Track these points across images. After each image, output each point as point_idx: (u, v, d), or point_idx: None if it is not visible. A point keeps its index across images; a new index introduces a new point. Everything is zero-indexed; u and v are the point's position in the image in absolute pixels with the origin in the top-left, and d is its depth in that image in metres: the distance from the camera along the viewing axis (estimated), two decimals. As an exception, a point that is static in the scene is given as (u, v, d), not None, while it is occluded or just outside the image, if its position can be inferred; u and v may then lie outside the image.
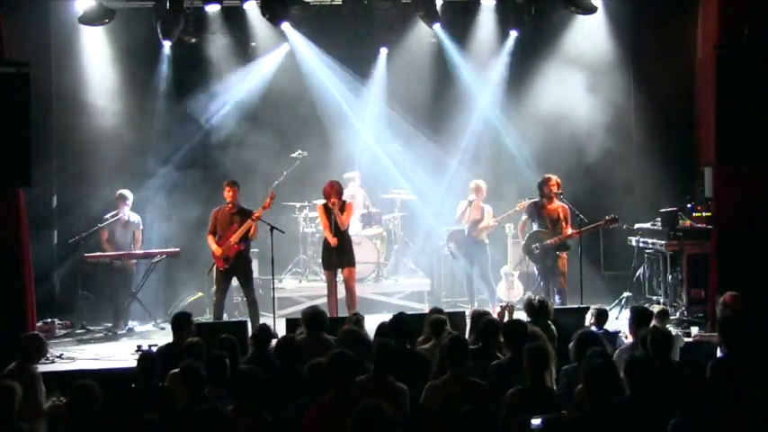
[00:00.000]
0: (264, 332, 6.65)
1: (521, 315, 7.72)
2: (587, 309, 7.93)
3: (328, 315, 9.16)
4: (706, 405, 4.58)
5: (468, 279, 10.62)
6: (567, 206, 9.62)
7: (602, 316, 7.22)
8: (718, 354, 6.34)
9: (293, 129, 11.75)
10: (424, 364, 6.10)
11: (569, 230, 9.49)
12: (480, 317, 6.86)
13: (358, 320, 7.18)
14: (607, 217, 9.58)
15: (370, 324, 7.10)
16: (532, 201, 9.83)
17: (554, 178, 9.61)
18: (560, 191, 9.66)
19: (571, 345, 6.06)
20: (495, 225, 10.61)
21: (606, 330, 7.18)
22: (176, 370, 5.74)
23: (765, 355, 5.96)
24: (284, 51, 11.78)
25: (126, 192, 10.36)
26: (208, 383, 5.62)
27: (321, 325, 6.86)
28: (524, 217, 9.78)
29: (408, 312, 8.95)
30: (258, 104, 11.76)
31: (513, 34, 11.48)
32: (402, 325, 6.45)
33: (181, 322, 7.07)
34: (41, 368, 8.22)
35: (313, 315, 6.87)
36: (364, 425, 4.16)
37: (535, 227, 9.77)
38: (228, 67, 11.62)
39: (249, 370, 5.18)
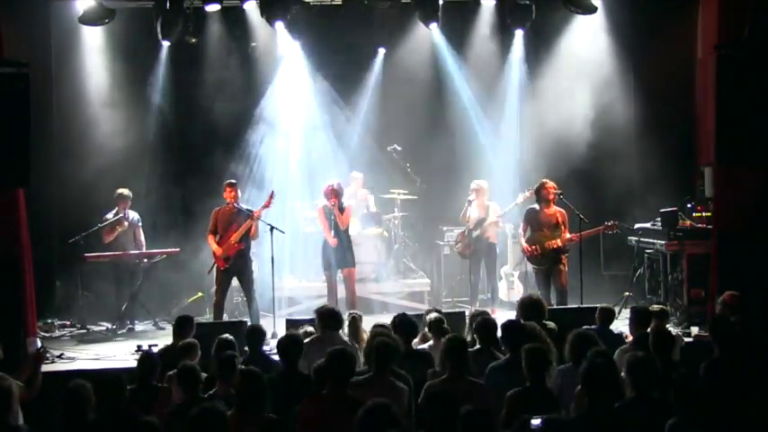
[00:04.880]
0: (254, 333, 6.65)
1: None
2: (587, 309, 7.92)
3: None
4: (703, 405, 4.58)
5: (473, 279, 10.60)
6: (564, 211, 9.62)
7: (607, 315, 7.19)
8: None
9: (293, 128, 11.73)
10: (428, 363, 6.11)
11: (568, 235, 9.49)
12: (476, 317, 6.86)
13: (354, 320, 7.16)
14: (607, 223, 9.57)
15: (370, 324, 7.09)
16: (530, 206, 9.83)
17: (550, 183, 9.61)
18: (560, 191, 9.66)
19: (566, 345, 6.06)
20: (500, 221, 10.60)
21: (611, 331, 7.17)
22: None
23: (759, 354, 5.96)
24: (282, 51, 11.78)
25: (126, 191, 10.36)
26: (217, 383, 5.64)
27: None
28: (522, 225, 9.79)
29: (408, 312, 9.03)
30: (258, 104, 11.76)
31: (519, 33, 11.47)
32: (405, 325, 6.45)
33: (183, 325, 7.09)
34: (41, 368, 8.25)
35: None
36: (371, 423, 4.17)
37: (532, 231, 9.74)
38: (228, 66, 11.62)
39: (249, 370, 5.19)
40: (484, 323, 6.47)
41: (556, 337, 6.79)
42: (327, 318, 6.85)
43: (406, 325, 6.49)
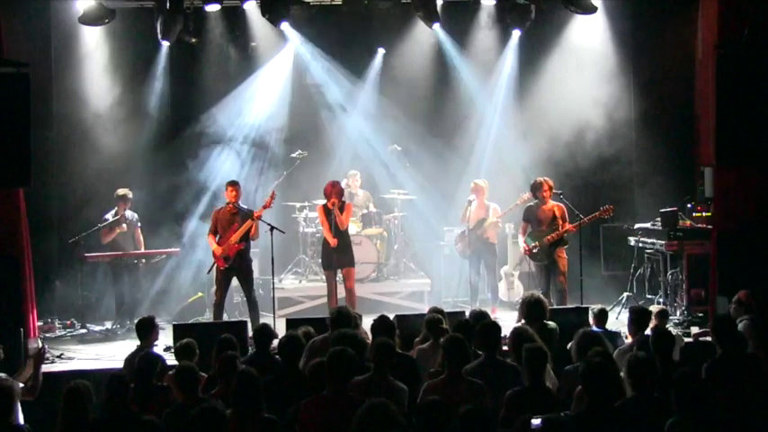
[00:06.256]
0: (264, 332, 6.64)
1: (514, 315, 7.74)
2: (587, 309, 7.94)
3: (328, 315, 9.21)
4: (703, 405, 4.58)
5: (473, 279, 10.59)
6: (563, 205, 9.64)
7: (602, 315, 7.23)
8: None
9: (293, 128, 11.74)
10: (410, 367, 6.09)
11: (567, 226, 9.52)
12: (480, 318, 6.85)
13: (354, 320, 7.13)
14: (602, 207, 9.55)
15: (370, 324, 7.07)
16: (528, 204, 9.85)
17: (546, 181, 9.62)
18: (558, 191, 9.69)
19: (572, 345, 6.06)
20: (500, 221, 10.60)
21: (607, 330, 7.18)
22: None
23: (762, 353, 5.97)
24: (284, 52, 11.79)
25: (126, 191, 10.36)
26: (218, 383, 5.64)
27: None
28: (522, 224, 9.83)
29: (408, 313, 9.03)
30: (258, 104, 11.77)
31: (516, 34, 11.47)
32: (385, 327, 6.43)
33: (146, 326, 7.04)
34: (42, 368, 8.26)
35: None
36: (369, 423, 4.17)
37: (532, 228, 9.77)
38: (228, 66, 11.63)
39: (245, 371, 5.18)
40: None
41: (557, 338, 6.81)
42: (336, 320, 6.80)
43: (385, 327, 6.46)
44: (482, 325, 6.15)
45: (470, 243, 10.51)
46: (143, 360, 6.03)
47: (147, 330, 7.00)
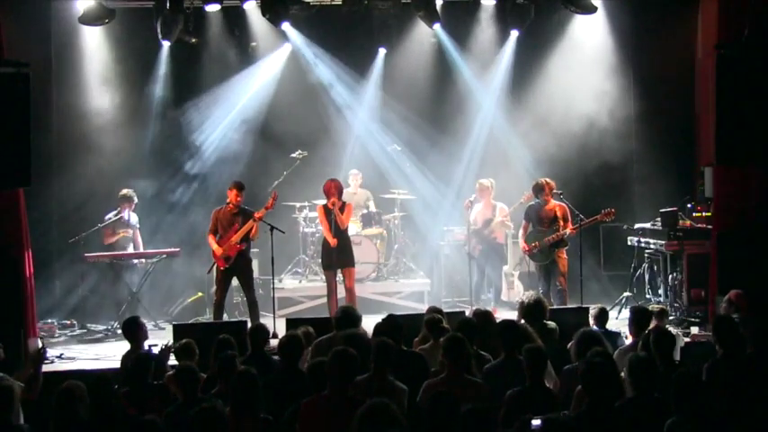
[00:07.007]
0: (259, 332, 6.64)
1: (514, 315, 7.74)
2: (587, 309, 7.94)
3: (329, 315, 9.21)
4: (703, 405, 4.59)
5: (475, 279, 10.56)
6: (564, 205, 9.64)
7: (602, 315, 7.23)
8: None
9: (293, 128, 11.74)
10: (420, 365, 6.10)
11: (570, 227, 9.52)
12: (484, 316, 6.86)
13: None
14: (603, 211, 9.56)
15: (370, 324, 7.07)
16: (529, 203, 9.85)
17: (548, 183, 9.61)
18: (559, 191, 9.69)
19: (572, 345, 6.06)
20: (507, 220, 10.57)
21: (607, 330, 7.19)
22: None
23: (763, 354, 5.96)
24: (284, 52, 11.80)
25: (130, 191, 10.37)
26: (218, 383, 5.64)
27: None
28: (523, 223, 9.83)
29: (408, 312, 9.03)
30: (258, 104, 11.77)
31: (515, 34, 11.48)
32: (394, 327, 6.43)
33: (130, 328, 7.02)
34: (42, 368, 8.25)
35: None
36: (369, 423, 4.17)
37: (533, 228, 9.77)
38: (228, 66, 11.63)
39: (246, 371, 5.18)
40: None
41: (557, 338, 6.81)
42: (341, 319, 6.80)
43: (394, 327, 6.46)
44: (503, 325, 6.16)
45: (476, 244, 10.46)
46: (135, 361, 6.02)
47: (131, 331, 6.99)
